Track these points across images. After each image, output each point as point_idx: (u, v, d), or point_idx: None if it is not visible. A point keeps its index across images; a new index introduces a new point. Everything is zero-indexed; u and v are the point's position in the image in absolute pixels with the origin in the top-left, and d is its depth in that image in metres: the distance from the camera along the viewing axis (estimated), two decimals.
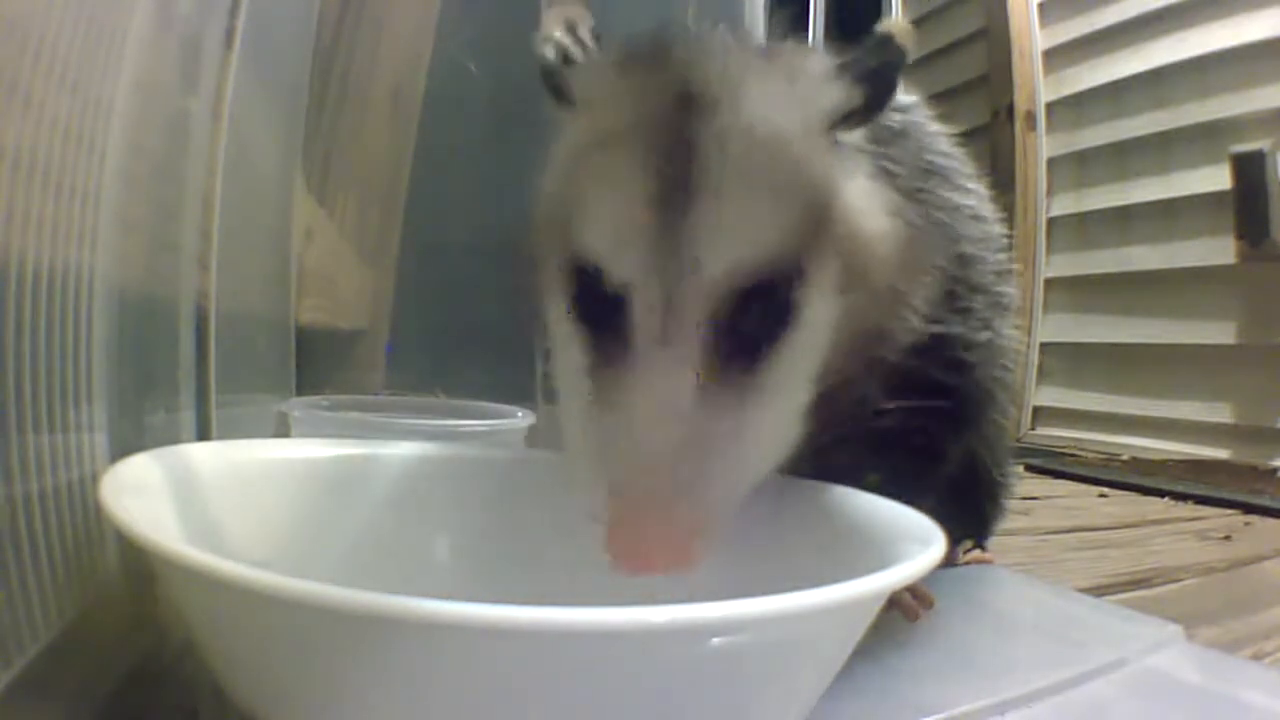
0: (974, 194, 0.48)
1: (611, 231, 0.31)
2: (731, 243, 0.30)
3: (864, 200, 0.35)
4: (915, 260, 0.37)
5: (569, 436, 0.33)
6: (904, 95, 0.44)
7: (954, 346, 0.43)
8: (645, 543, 0.29)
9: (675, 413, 0.30)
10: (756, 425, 0.32)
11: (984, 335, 0.45)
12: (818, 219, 0.32)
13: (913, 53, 0.34)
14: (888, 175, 0.37)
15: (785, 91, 0.33)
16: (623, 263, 0.31)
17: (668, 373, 0.30)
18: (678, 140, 0.31)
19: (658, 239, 0.30)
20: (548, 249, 0.34)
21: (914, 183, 0.40)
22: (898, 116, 0.42)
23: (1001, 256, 0.49)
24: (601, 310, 0.31)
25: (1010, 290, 0.50)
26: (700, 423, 0.30)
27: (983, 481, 0.55)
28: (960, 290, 0.44)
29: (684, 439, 0.30)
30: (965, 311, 0.44)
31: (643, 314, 0.30)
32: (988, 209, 0.49)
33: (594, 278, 0.31)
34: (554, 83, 0.36)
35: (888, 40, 0.34)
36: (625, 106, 0.33)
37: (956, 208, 0.45)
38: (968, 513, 0.56)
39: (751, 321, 0.31)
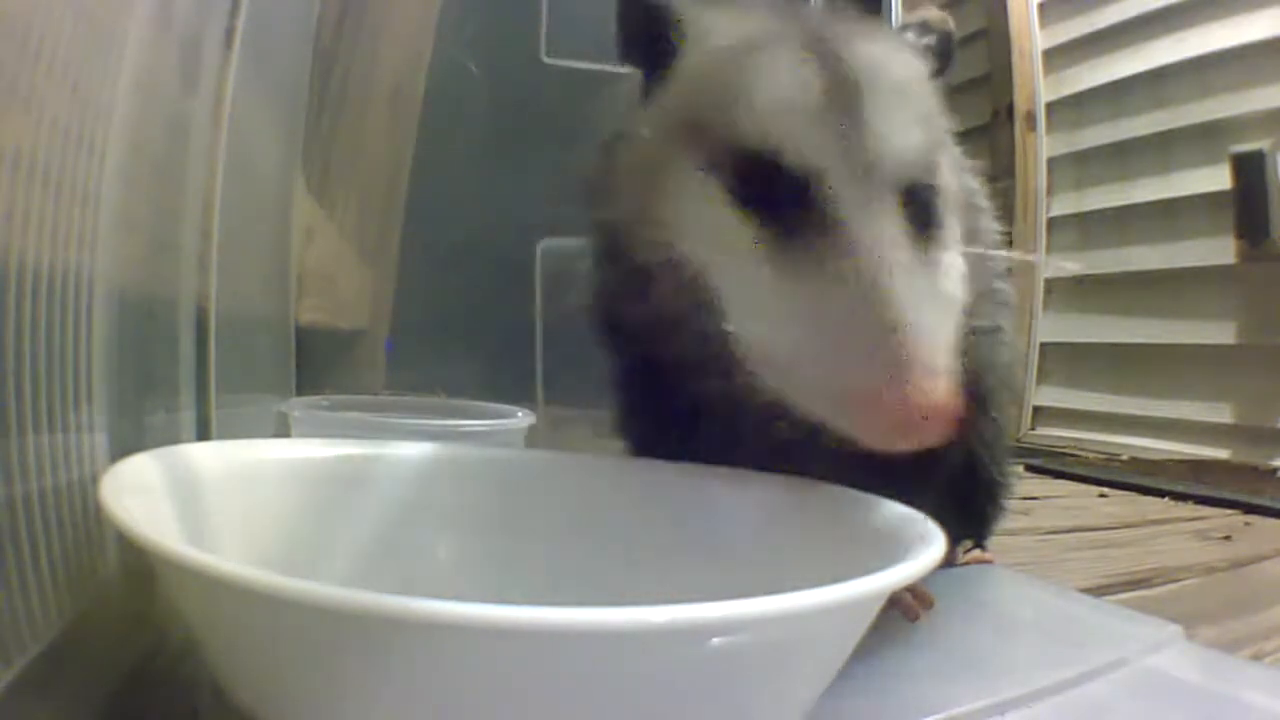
0: (971, 188, 0.48)
1: (798, 120, 0.33)
2: (902, 140, 0.34)
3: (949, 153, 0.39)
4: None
5: (750, 327, 0.32)
6: None
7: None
8: (924, 401, 0.29)
9: (901, 266, 0.31)
10: (948, 282, 0.34)
11: (982, 328, 0.45)
12: (940, 147, 0.37)
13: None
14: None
15: (898, 43, 0.39)
16: (813, 146, 0.32)
17: (885, 230, 0.31)
18: (836, 56, 0.35)
19: (844, 127, 0.33)
20: (681, 152, 0.35)
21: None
22: None
23: (998, 252, 0.49)
24: (777, 196, 0.33)
25: (1006, 287, 0.50)
26: (918, 274, 0.31)
27: (983, 481, 0.55)
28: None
29: (914, 290, 0.30)
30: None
31: (845, 188, 0.32)
32: (984, 203, 0.50)
33: (767, 165, 0.33)
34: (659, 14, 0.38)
35: (928, 23, 0.41)
36: (775, 23, 0.37)
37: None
38: (968, 513, 0.56)
39: (913, 214, 0.34)
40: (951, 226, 0.36)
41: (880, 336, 0.29)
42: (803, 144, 0.33)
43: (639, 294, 0.38)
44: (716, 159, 0.34)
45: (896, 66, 0.36)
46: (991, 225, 0.49)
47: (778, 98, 0.34)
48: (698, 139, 0.35)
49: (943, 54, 0.40)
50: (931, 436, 0.29)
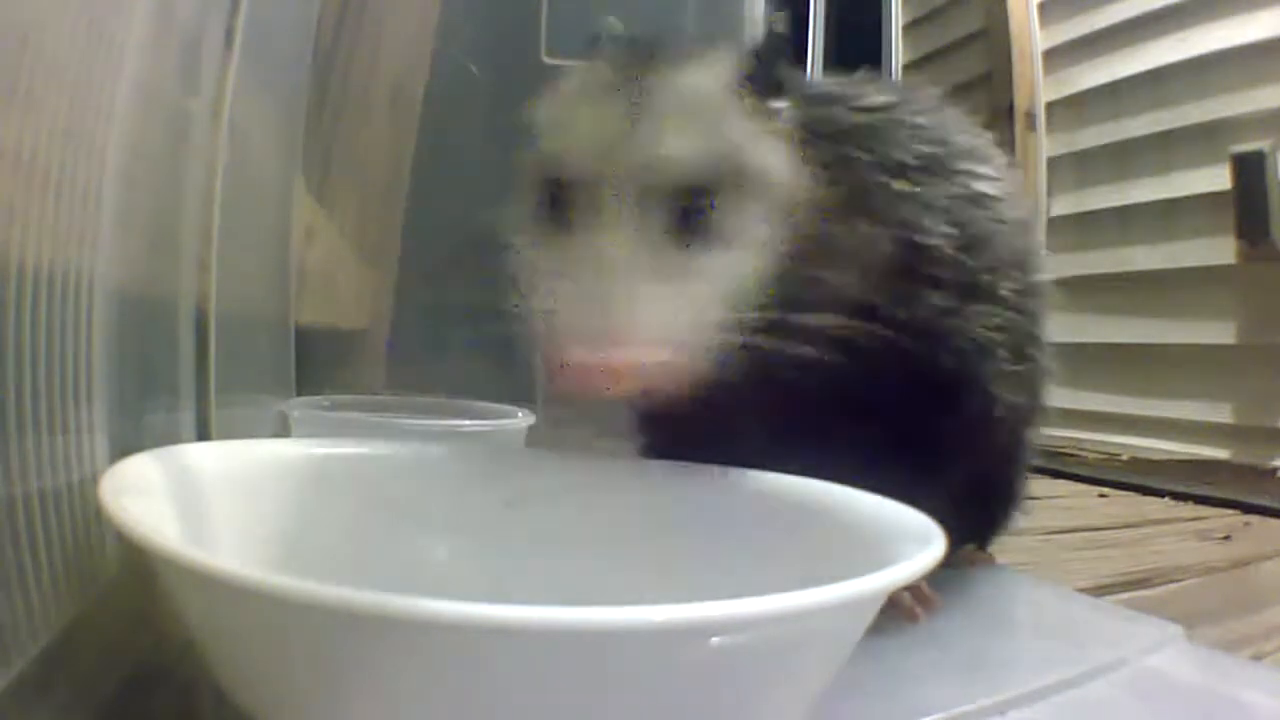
0: (987, 180, 0.48)
1: (580, 143, 0.40)
2: (672, 151, 0.39)
3: (769, 154, 0.42)
4: (816, 222, 0.42)
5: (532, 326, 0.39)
6: (879, 96, 0.47)
7: (956, 333, 0.44)
8: (593, 360, 0.36)
9: (613, 266, 0.37)
10: (697, 279, 0.39)
11: (993, 321, 0.45)
12: (725, 154, 0.40)
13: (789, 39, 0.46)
14: (845, 165, 0.43)
15: (705, 66, 0.43)
16: (584, 164, 0.39)
17: (607, 237, 0.38)
18: (629, 88, 0.41)
19: (613, 146, 0.39)
20: (524, 184, 0.43)
21: (881, 176, 0.44)
22: (866, 116, 0.46)
23: (1024, 243, 0.51)
24: (555, 207, 0.40)
25: (1039, 280, 0.50)
26: (635, 279, 0.37)
27: (998, 487, 0.55)
28: (966, 277, 0.44)
29: (628, 278, 0.37)
30: (972, 298, 0.45)
31: (585, 197, 0.39)
32: (1008, 195, 0.49)
33: (553, 183, 0.40)
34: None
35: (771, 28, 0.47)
36: (591, 76, 0.44)
37: (957, 196, 0.45)
38: (978, 516, 0.56)
39: (682, 217, 0.39)
40: (741, 227, 0.40)
41: (582, 310, 0.37)
42: (578, 162, 0.39)
43: None
44: (535, 180, 0.42)
45: (688, 88, 0.41)
46: (1012, 215, 0.49)
47: (580, 128, 0.41)
48: (531, 172, 0.42)
49: (767, 60, 0.44)
50: (605, 391, 0.36)
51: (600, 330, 0.36)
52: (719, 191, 0.39)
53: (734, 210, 0.40)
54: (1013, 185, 0.51)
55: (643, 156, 0.39)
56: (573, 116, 0.42)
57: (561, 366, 0.37)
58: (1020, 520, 0.60)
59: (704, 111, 0.41)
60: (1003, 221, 0.48)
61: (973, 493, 0.52)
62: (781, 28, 0.47)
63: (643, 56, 0.43)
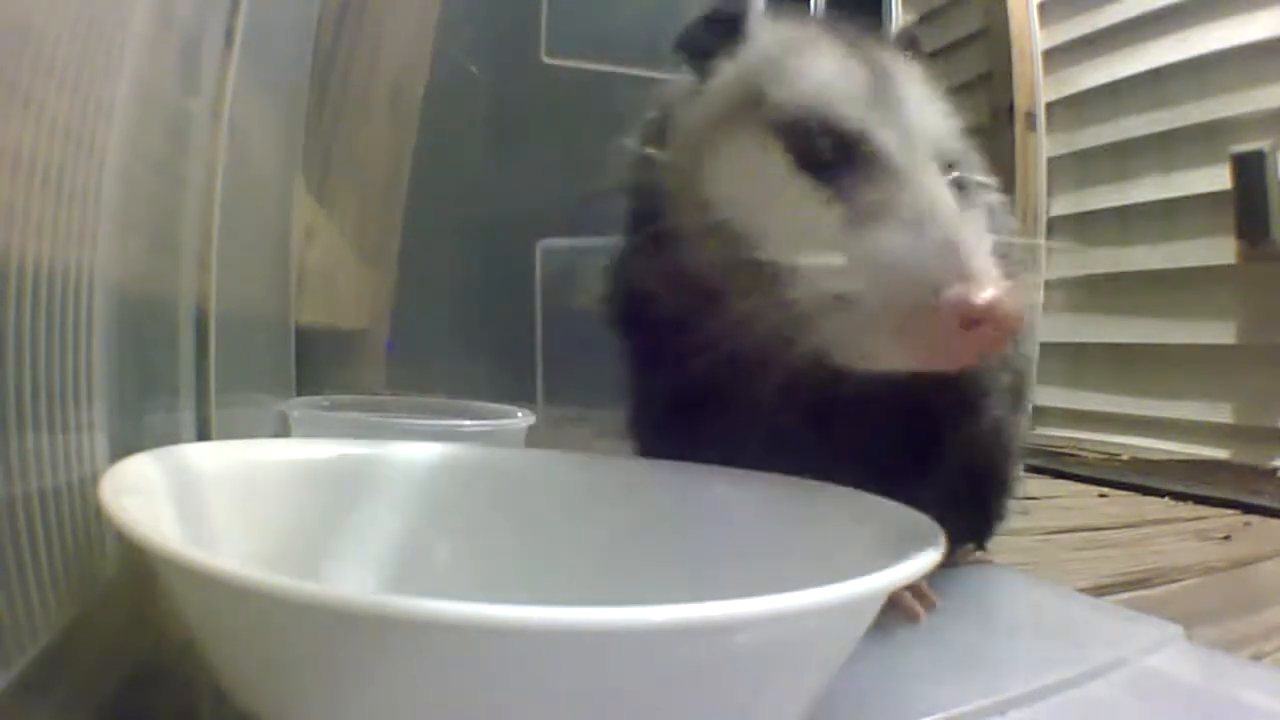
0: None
1: (851, 96, 0.37)
2: (935, 124, 0.38)
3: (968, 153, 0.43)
4: None
5: (812, 276, 0.34)
6: None
7: None
8: (1001, 308, 0.31)
9: (953, 204, 0.34)
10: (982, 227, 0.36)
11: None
12: (960, 143, 0.40)
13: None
14: None
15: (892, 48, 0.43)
16: (864, 116, 0.36)
17: (938, 182, 0.35)
18: (872, 55, 0.39)
19: (889, 104, 0.37)
20: (739, 126, 0.39)
21: None
22: None
23: (1011, 245, 0.50)
24: (833, 158, 0.36)
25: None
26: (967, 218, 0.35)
27: (991, 483, 0.55)
28: None
29: (967, 224, 0.34)
30: None
31: (895, 149, 0.36)
32: (996, 200, 0.50)
33: (825, 132, 0.36)
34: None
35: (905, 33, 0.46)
36: (814, 30, 0.42)
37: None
38: (973, 514, 0.56)
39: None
40: (980, 213, 0.39)
41: (943, 255, 0.32)
42: (856, 114, 0.36)
43: (677, 263, 0.40)
44: (776, 130, 0.37)
45: (915, 70, 0.41)
46: (1004, 222, 0.50)
47: (834, 78, 0.38)
48: (757, 114, 0.38)
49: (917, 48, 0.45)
50: (997, 342, 0.32)
51: (974, 269, 0.31)
52: (958, 168, 0.39)
53: (973, 195, 0.40)
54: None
55: (921, 122, 0.37)
56: (827, 68, 0.38)
57: (913, 323, 0.32)
58: (1019, 520, 0.60)
59: (939, 97, 0.41)
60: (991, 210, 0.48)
61: (971, 493, 0.52)
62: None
63: (837, 26, 0.42)
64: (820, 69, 0.38)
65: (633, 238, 0.45)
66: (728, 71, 0.41)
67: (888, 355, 0.33)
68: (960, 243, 0.32)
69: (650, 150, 0.42)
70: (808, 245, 0.34)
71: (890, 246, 0.33)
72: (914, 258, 0.32)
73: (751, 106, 0.38)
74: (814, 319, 0.34)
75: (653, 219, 0.41)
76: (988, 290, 0.31)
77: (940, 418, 0.44)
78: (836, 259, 0.33)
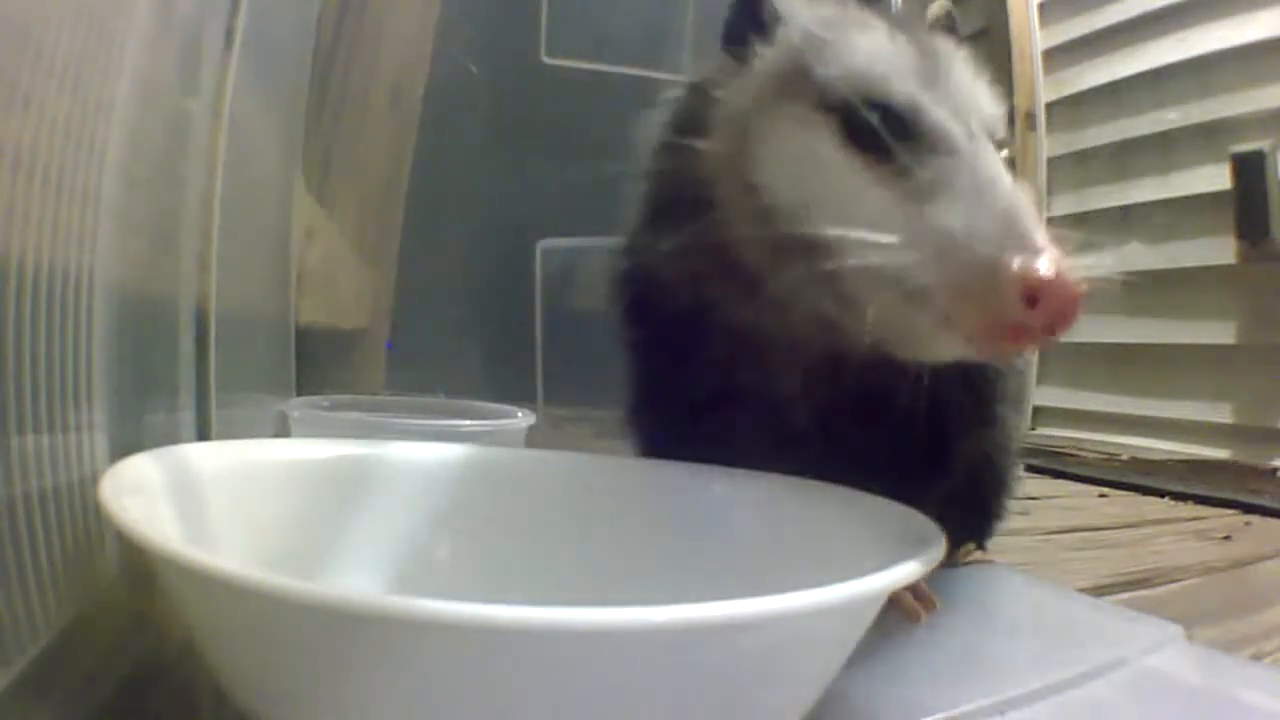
0: None
1: (902, 72, 0.37)
2: (984, 102, 0.38)
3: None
4: None
5: (865, 252, 0.33)
6: None
7: None
8: (1066, 280, 0.30)
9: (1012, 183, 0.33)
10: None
11: None
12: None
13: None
14: None
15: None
16: (917, 92, 0.36)
17: (995, 157, 0.34)
18: (917, 35, 0.39)
19: (940, 81, 0.37)
20: (784, 103, 0.38)
21: None
22: None
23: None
24: (886, 133, 0.35)
25: None
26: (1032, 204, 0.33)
27: (990, 483, 0.55)
28: None
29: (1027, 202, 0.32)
30: None
31: (950, 125, 0.35)
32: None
33: (877, 107, 0.35)
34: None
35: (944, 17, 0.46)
36: (855, 11, 0.41)
37: None
38: (973, 514, 0.56)
39: None
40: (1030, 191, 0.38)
41: (1006, 227, 0.31)
42: (907, 89, 0.36)
43: (714, 249, 0.39)
44: (826, 107, 0.36)
45: (960, 49, 0.41)
46: None
47: (883, 53, 0.37)
48: (804, 93, 0.37)
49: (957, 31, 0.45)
50: (1060, 322, 0.30)
51: (1044, 248, 0.30)
52: (1008, 148, 0.39)
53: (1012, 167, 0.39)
54: None
55: (972, 100, 0.37)
56: (877, 45, 0.38)
57: (974, 297, 0.30)
58: (1019, 520, 0.61)
59: (982, 73, 0.41)
60: None
61: (971, 493, 0.52)
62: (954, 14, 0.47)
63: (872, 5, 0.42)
64: (868, 45, 0.38)
65: (653, 224, 0.44)
66: (768, 54, 0.40)
67: (943, 336, 0.32)
68: (1023, 215, 0.31)
69: (678, 136, 0.41)
70: (862, 221, 0.33)
71: (950, 220, 0.31)
72: (976, 230, 0.31)
73: (798, 86, 0.38)
74: (864, 298, 0.33)
75: (682, 204, 0.40)
76: (1053, 262, 0.29)
77: (954, 424, 0.44)
78: (894, 234, 0.32)
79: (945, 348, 0.33)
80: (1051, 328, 0.30)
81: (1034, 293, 0.29)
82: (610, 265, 0.48)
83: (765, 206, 0.37)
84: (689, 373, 0.44)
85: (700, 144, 0.39)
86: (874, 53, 0.37)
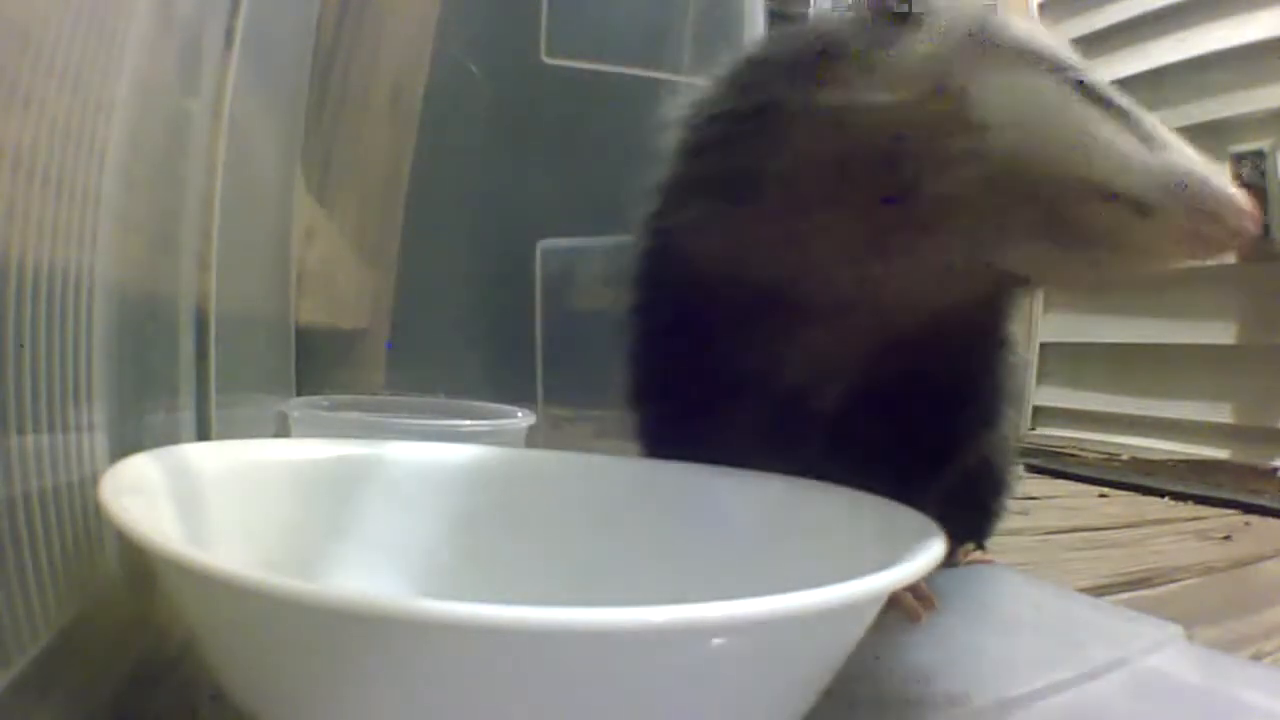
0: None
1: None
2: None
3: None
4: None
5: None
6: None
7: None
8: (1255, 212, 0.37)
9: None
10: None
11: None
12: None
13: None
14: None
15: None
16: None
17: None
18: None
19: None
20: (1003, 61, 0.41)
21: None
22: None
23: None
24: (1100, 95, 0.41)
25: None
26: None
27: (988, 482, 0.55)
28: None
29: None
30: None
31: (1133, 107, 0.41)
32: None
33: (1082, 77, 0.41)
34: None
35: None
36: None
37: None
38: (971, 513, 0.56)
39: None
40: None
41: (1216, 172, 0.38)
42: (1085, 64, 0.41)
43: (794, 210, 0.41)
44: (1051, 69, 0.41)
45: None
46: None
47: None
48: (1011, 56, 0.41)
49: None
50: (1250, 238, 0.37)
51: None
52: None
53: None
54: None
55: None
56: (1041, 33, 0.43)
57: (1203, 218, 0.37)
58: (1019, 520, 0.61)
59: None
60: None
61: (970, 492, 0.53)
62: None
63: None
64: (1032, 27, 0.42)
65: (706, 190, 0.44)
66: (938, 22, 0.41)
67: (1169, 246, 0.38)
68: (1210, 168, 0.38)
69: (804, 91, 0.41)
70: (1112, 158, 0.38)
71: (1183, 158, 0.38)
72: (1202, 168, 0.38)
73: (1000, 52, 0.41)
74: (1096, 224, 0.38)
75: (754, 169, 0.41)
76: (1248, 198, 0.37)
77: (962, 425, 0.46)
78: (1153, 166, 0.38)
79: (1164, 256, 0.39)
80: (1244, 242, 0.37)
81: (1241, 217, 0.37)
82: (644, 224, 0.47)
83: (987, 151, 0.39)
84: (710, 353, 0.44)
85: (881, 95, 0.40)
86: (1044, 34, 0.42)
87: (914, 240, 0.40)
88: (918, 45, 0.40)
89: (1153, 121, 0.40)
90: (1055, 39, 0.42)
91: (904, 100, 0.40)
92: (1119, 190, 0.37)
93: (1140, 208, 0.37)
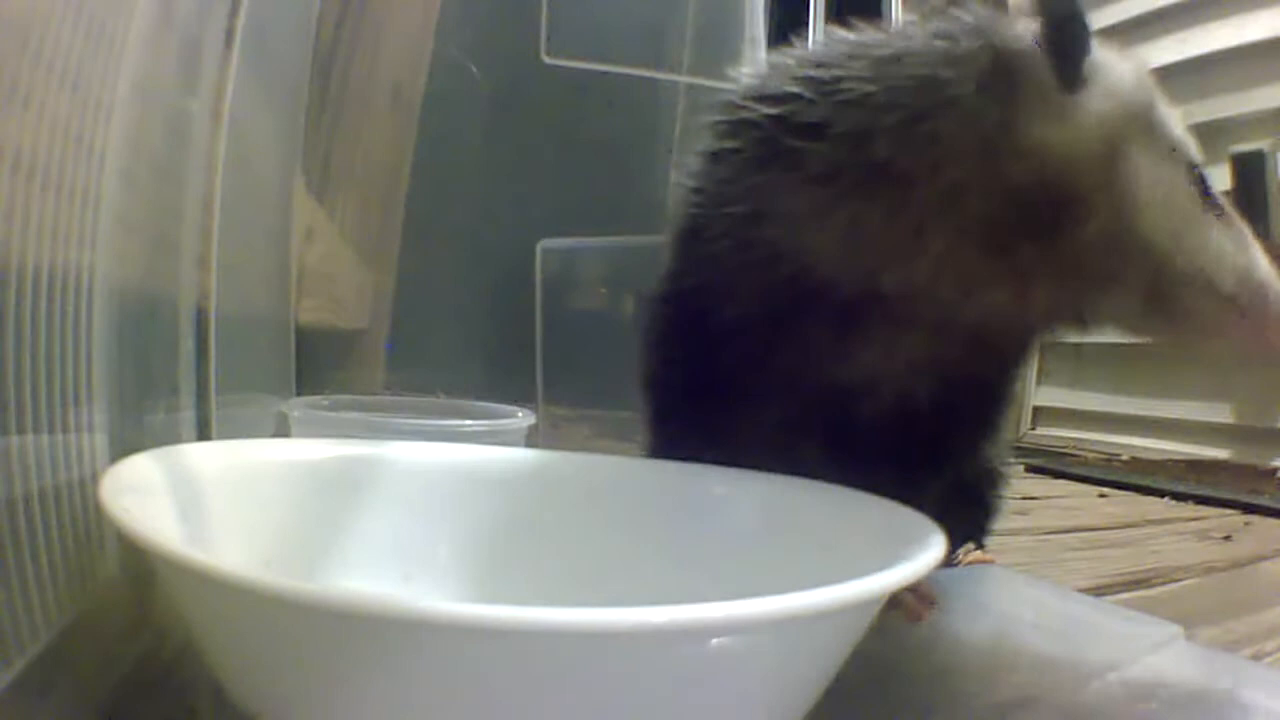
0: None
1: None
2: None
3: None
4: None
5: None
6: None
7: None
8: None
9: None
10: None
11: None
12: None
13: None
14: None
15: None
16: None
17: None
18: None
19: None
20: (1139, 142, 0.42)
21: None
22: None
23: None
24: (1207, 189, 0.43)
25: None
26: None
27: (985, 481, 0.55)
28: None
29: None
30: None
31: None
32: None
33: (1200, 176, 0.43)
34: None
35: None
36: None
37: None
38: (974, 513, 0.56)
39: None
40: None
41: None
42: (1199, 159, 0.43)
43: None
44: (1183, 163, 0.42)
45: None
46: None
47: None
48: (1148, 140, 0.42)
49: None
50: None
51: None
52: None
53: None
54: None
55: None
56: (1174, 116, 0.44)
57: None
58: (1019, 520, 0.61)
59: None
60: None
61: (969, 492, 0.53)
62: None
63: None
64: (1172, 112, 0.44)
65: (778, 201, 0.41)
66: (1097, 93, 0.41)
67: (1248, 341, 0.42)
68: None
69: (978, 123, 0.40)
70: (1209, 252, 0.41)
71: (1265, 267, 0.42)
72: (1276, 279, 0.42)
73: (1144, 133, 0.42)
74: (1191, 311, 0.41)
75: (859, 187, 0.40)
76: None
77: (968, 430, 0.46)
78: (1237, 265, 0.41)
79: (1238, 347, 0.44)
80: None
81: None
82: (688, 195, 0.45)
83: (1123, 220, 0.41)
84: (739, 346, 0.43)
85: (1055, 135, 0.40)
86: (1176, 121, 0.43)
87: (1029, 277, 0.40)
88: (1095, 101, 0.40)
89: (1241, 223, 0.43)
90: (1182, 127, 0.44)
91: (1074, 150, 0.40)
92: (1216, 284, 0.41)
93: (1229, 301, 0.41)
